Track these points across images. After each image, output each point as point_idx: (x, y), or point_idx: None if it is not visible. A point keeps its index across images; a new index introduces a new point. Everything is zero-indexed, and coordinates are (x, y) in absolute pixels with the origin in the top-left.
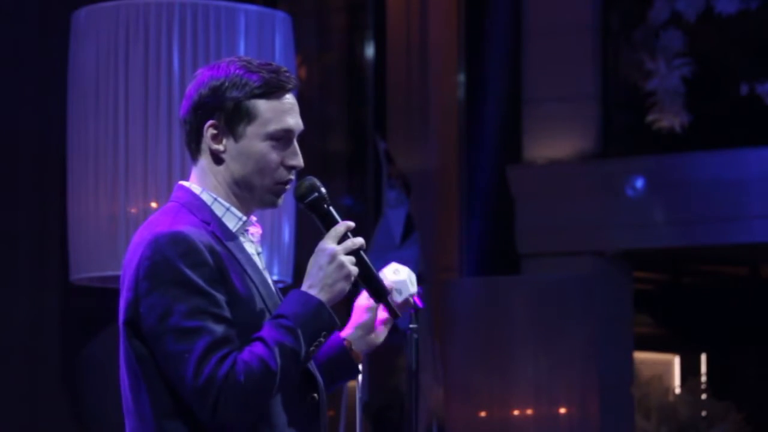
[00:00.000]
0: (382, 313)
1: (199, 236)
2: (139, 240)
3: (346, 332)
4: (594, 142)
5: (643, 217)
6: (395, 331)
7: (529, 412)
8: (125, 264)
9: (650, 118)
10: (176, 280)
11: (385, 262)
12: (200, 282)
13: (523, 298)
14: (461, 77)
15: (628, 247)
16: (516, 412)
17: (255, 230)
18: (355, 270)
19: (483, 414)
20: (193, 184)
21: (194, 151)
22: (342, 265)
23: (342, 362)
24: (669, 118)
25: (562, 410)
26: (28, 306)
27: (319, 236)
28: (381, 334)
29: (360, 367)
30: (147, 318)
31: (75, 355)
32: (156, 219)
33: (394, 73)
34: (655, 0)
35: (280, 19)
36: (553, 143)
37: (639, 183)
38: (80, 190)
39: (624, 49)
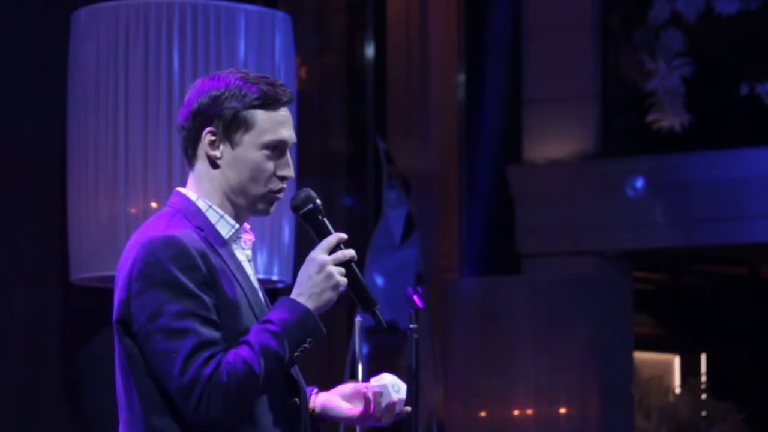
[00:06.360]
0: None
1: (192, 241)
2: (133, 243)
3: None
4: (594, 142)
5: (643, 217)
6: (395, 331)
7: (529, 412)
8: (119, 265)
9: (650, 118)
10: (167, 281)
11: (385, 262)
12: (190, 285)
13: (523, 298)
14: (461, 77)
15: (628, 247)
16: (516, 412)
17: (248, 237)
18: (343, 281)
19: (483, 414)
20: (189, 191)
21: (191, 157)
22: (330, 275)
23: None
24: (669, 118)
25: (562, 410)
26: (28, 305)
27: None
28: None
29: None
30: (138, 317)
31: (74, 354)
32: (151, 223)
33: (394, 73)
34: (655, 0)
35: (280, 19)
36: (553, 143)
37: (639, 183)
38: (80, 190)
39: (624, 49)
